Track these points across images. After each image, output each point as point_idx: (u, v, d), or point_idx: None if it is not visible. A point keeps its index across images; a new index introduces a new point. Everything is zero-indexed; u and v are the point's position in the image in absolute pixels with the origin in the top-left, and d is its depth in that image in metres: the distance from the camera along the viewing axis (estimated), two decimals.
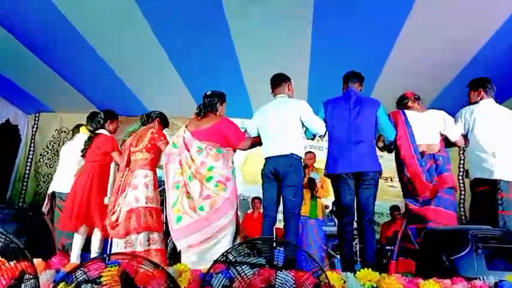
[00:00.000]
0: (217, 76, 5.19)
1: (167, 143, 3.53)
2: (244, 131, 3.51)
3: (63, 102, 6.40)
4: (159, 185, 3.98)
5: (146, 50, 4.66)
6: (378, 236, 6.02)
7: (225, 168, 3.24)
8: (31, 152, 6.78)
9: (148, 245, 3.41)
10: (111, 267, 1.94)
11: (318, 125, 3.34)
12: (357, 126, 3.26)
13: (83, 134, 4.22)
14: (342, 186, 3.26)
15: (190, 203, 3.14)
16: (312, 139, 3.64)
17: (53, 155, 6.68)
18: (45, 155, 6.73)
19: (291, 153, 3.22)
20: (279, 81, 3.51)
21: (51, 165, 6.52)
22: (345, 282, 2.05)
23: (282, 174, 3.19)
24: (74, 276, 1.79)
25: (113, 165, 3.88)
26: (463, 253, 2.34)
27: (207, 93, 3.45)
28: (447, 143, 3.51)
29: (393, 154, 3.57)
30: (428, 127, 3.45)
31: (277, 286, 1.82)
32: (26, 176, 6.69)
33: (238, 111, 5.98)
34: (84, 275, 1.81)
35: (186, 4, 3.84)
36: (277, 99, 3.48)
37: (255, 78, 5.20)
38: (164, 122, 3.95)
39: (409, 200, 3.36)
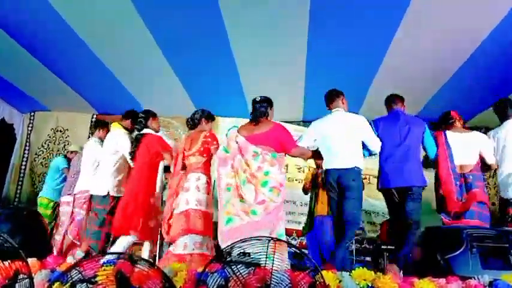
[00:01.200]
0: (214, 76, 5.19)
1: (218, 147, 3.54)
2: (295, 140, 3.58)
3: (58, 101, 6.36)
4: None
5: (143, 50, 4.64)
6: (375, 235, 6.03)
7: (280, 173, 3.30)
8: (26, 151, 6.71)
9: (193, 249, 3.37)
10: (106, 266, 1.94)
11: (377, 145, 3.52)
12: (408, 145, 3.51)
13: (118, 130, 4.10)
14: (393, 200, 3.51)
15: (243, 206, 3.17)
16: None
17: (48, 154, 6.64)
18: (40, 154, 6.68)
19: (355, 166, 3.38)
20: (333, 96, 3.66)
21: (46, 165, 6.45)
22: (340, 281, 2.06)
23: (345, 187, 3.34)
24: (69, 276, 1.79)
25: (161, 165, 3.82)
26: (458, 252, 2.36)
27: (257, 99, 3.48)
28: (483, 166, 3.74)
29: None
30: (467, 148, 3.68)
31: (272, 285, 1.83)
32: (21, 175, 6.65)
33: (234, 111, 6.01)
34: (80, 275, 1.80)
35: (182, 5, 3.84)
36: (335, 113, 3.60)
37: (251, 78, 5.20)
38: (209, 118, 3.87)
39: (443, 215, 3.57)
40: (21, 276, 1.83)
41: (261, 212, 3.13)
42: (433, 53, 4.36)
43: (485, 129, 4.29)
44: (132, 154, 3.78)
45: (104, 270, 1.91)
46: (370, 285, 2.06)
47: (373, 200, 6.24)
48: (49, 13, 3.93)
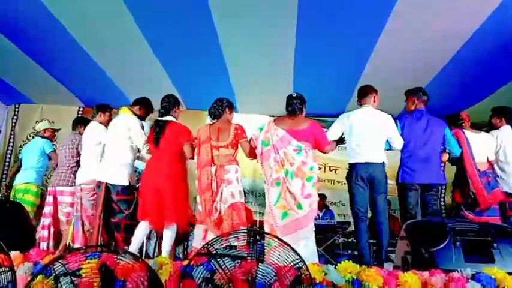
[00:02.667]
0: (202, 72, 5.16)
1: (247, 140, 3.57)
2: None
3: (44, 94, 6.26)
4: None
5: (130, 43, 4.57)
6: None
7: (317, 170, 3.45)
8: (11, 144, 6.61)
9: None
10: (91, 259, 1.92)
11: (400, 143, 3.66)
12: (431, 144, 3.69)
13: (129, 116, 3.91)
14: (411, 196, 3.65)
15: (293, 200, 3.26)
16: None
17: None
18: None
19: (383, 162, 3.57)
20: (366, 92, 3.75)
21: None
22: (325, 274, 2.07)
23: (376, 181, 3.50)
24: (52, 269, 1.77)
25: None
26: (442, 246, 2.39)
27: (293, 95, 3.53)
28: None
29: None
30: (481, 146, 3.94)
31: (258, 278, 1.83)
32: (6, 167, 6.54)
33: None
34: (63, 267, 1.78)
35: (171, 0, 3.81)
36: (363, 109, 3.70)
37: (241, 73, 5.18)
38: (232, 107, 3.80)
39: (468, 211, 3.80)
40: (2, 269, 1.80)
41: (307, 207, 3.25)
42: (421, 49, 4.39)
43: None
44: (157, 141, 3.59)
45: (89, 263, 1.89)
46: (355, 278, 2.08)
47: None
48: (35, 4, 3.85)
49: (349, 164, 3.66)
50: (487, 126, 4.31)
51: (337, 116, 3.92)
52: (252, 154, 3.58)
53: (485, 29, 3.88)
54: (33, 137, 6.00)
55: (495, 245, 2.38)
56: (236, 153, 3.59)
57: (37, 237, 4.22)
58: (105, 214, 3.79)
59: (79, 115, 6.39)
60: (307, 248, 3.20)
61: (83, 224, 4.03)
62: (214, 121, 3.70)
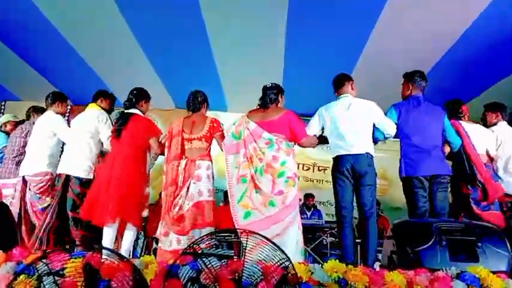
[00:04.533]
0: (191, 69, 5.13)
1: (223, 134, 3.39)
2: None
3: (30, 91, 6.18)
4: None
5: (120, 41, 4.56)
6: None
7: (294, 163, 3.20)
8: None
9: None
10: (75, 258, 1.89)
11: (392, 128, 3.41)
12: (431, 132, 3.43)
13: (93, 110, 3.85)
14: (419, 191, 3.33)
15: (261, 198, 3.06)
16: (376, 143, 3.52)
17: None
18: None
19: (367, 153, 3.29)
20: (342, 81, 3.52)
21: None
22: (312, 273, 2.07)
23: (361, 173, 3.23)
24: (34, 268, 1.74)
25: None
26: (427, 245, 2.40)
27: (268, 86, 3.35)
28: None
29: None
30: (479, 139, 3.75)
31: (244, 277, 1.82)
32: None
33: (212, 104, 5.94)
34: (46, 267, 1.75)
35: None
36: (343, 99, 3.46)
37: (229, 70, 5.17)
38: (208, 105, 3.68)
39: (474, 205, 3.62)
40: None
41: (279, 204, 3.03)
42: (412, 46, 4.42)
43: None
44: (119, 132, 3.45)
45: (73, 262, 1.87)
46: (341, 277, 2.08)
47: None
48: (22, 1, 3.79)
49: (333, 158, 3.41)
50: (481, 123, 4.11)
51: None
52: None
53: (475, 28, 3.93)
54: None
55: (480, 244, 2.40)
56: (210, 148, 3.42)
57: None
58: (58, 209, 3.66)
59: (68, 113, 6.31)
60: (283, 246, 2.96)
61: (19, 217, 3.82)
62: (189, 114, 3.55)
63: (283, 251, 1.90)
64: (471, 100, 5.51)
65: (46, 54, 4.94)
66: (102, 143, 3.82)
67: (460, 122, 3.75)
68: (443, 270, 2.19)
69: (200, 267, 1.82)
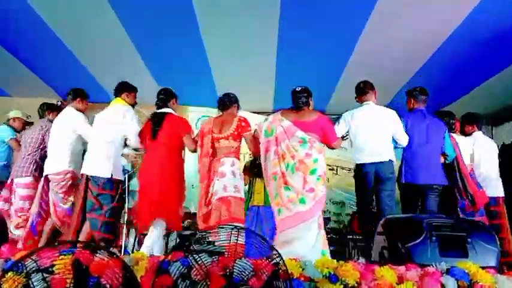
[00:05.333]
0: (184, 65, 5.10)
1: (252, 132, 3.48)
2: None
3: (20, 87, 6.09)
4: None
5: (110, 37, 4.50)
6: (340, 225, 6.13)
7: (324, 162, 3.28)
8: None
9: None
10: (64, 255, 1.87)
11: (405, 140, 3.67)
12: (432, 144, 3.72)
13: (119, 106, 3.72)
14: (414, 197, 3.67)
15: (290, 195, 3.11)
16: None
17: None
18: None
19: (390, 160, 3.56)
20: (366, 89, 3.73)
21: None
22: (303, 269, 2.07)
23: (383, 180, 3.49)
24: (22, 265, 1.72)
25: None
26: (418, 241, 2.42)
27: (297, 90, 3.41)
28: None
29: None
30: (466, 151, 4.09)
31: (235, 273, 1.82)
32: None
33: (204, 101, 5.95)
34: (35, 264, 1.73)
35: None
36: (367, 107, 3.70)
37: (222, 68, 5.15)
38: (239, 105, 3.75)
39: (461, 213, 3.87)
40: None
41: (310, 201, 3.10)
42: (403, 45, 4.44)
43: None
44: (155, 133, 3.47)
45: (62, 259, 1.85)
46: (332, 273, 2.09)
47: (341, 191, 6.35)
48: None
49: (357, 164, 3.65)
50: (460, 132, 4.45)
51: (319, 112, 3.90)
52: (256, 148, 3.45)
53: (465, 27, 3.94)
54: None
55: (469, 240, 2.43)
56: (239, 146, 3.50)
57: None
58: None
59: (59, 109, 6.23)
60: (305, 242, 3.03)
61: (39, 216, 3.82)
62: (220, 114, 3.66)
63: (274, 247, 1.90)
64: (460, 98, 5.57)
65: (35, 48, 4.86)
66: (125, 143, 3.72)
67: (453, 135, 4.02)
68: (433, 266, 2.21)
69: (191, 264, 1.81)
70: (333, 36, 4.33)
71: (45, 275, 1.77)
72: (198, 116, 6.24)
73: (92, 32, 4.47)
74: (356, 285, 2.06)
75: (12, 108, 6.36)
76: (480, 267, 2.20)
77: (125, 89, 3.86)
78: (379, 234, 2.79)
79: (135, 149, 3.84)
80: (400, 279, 2.13)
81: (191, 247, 1.84)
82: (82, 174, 3.60)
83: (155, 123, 3.51)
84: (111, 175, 3.52)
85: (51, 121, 4.17)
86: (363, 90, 3.74)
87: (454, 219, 2.65)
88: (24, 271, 1.74)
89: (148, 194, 3.38)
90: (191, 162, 4.14)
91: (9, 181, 4.20)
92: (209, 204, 3.33)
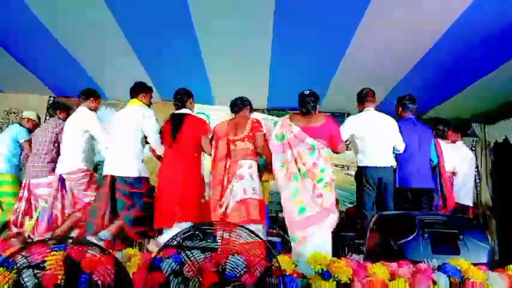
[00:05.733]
0: (178, 63, 5.07)
1: (265, 134, 3.53)
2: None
3: (12, 82, 6.02)
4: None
5: (104, 33, 4.43)
6: None
7: (331, 169, 3.38)
8: None
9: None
10: (56, 251, 1.86)
11: (402, 145, 3.80)
12: (423, 150, 3.91)
13: (136, 107, 3.74)
14: (406, 200, 3.79)
15: (309, 196, 3.22)
16: None
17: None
18: None
19: (391, 166, 3.71)
20: (367, 96, 3.84)
21: None
22: (296, 266, 2.08)
23: (386, 184, 3.62)
24: (13, 262, 1.70)
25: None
26: (410, 238, 2.43)
27: (306, 93, 3.43)
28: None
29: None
30: (449, 157, 4.31)
31: (228, 270, 1.82)
32: None
33: (198, 98, 5.90)
34: (25, 260, 1.72)
35: None
36: (369, 113, 3.80)
37: (216, 66, 5.12)
38: (252, 108, 3.82)
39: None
40: None
41: (318, 206, 3.19)
42: (394, 45, 4.44)
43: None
44: (175, 134, 3.48)
45: (53, 255, 1.84)
46: (325, 269, 2.09)
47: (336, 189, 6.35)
48: None
49: (359, 166, 3.74)
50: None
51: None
52: (265, 148, 3.50)
53: (458, 26, 3.94)
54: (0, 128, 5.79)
55: (461, 237, 2.45)
56: (254, 147, 3.53)
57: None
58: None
59: (49, 104, 6.18)
60: (312, 243, 3.09)
61: (51, 217, 3.82)
62: (232, 116, 3.72)
63: (267, 244, 1.90)
64: (453, 96, 5.59)
65: (29, 45, 4.80)
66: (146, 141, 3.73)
67: (439, 140, 4.27)
68: (425, 262, 2.23)
69: (183, 260, 1.81)
70: (327, 36, 4.32)
71: (36, 271, 1.76)
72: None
73: (87, 30, 4.41)
74: (348, 281, 2.07)
75: (4, 103, 6.36)
76: (472, 263, 2.22)
77: (141, 89, 3.90)
78: (371, 231, 2.81)
79: (158, 157, 3.79)
80: (393, 276, 2.14)
81: (183, 243, 1.84)
82: (105, 176, 3.61)
83: (175, 124, 3.53)
84: (140, 173, 3.59)
85: (63, 120, 4.22)
86: (365, 96, 3.86)
87: (446, 217, 2.65)
88: (15, 267, 1.73)
89: (170, 194, 3.40)
90: None
91: (25, 181, 4.18)
92: (226, 207, 3.38)
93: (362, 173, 3.68)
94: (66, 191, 3.88)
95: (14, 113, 6.31)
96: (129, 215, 3.49)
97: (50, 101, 6.30)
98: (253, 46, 4.66)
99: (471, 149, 6.33)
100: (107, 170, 3.63)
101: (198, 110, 6.16)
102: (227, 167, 3.48)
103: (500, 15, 3.79)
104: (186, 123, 3.52)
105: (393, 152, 3.83)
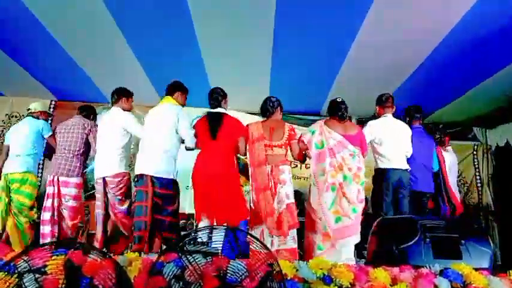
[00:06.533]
0: (179, 66, 5.07)
1: (298, 142, 3.59)
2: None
3: (13, 86, 6.03)
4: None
5: (106, 37, 4.46)
6: None
7: None
8: None
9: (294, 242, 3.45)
10: (57, 256, 1.86)
11: (411, 152, 3.99)
12: (427, 157, 4.22)
13: (171, 105, 3.69)
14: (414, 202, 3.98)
15: (347, 205, 3.34)
16: None
17: (3, 141, 6.31)
18: None
19: (407, 169, 3.89)
20: (388, 102, 4.04)
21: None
22: (297, 270, 2.07)
23: (404, 186, 3.80)
24: (14, 266, 1.70)
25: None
26: (412, 242, 2.43)
27: (339, 100, 3.61)
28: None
29: None
30: (449, 165, 4.70)
31: (229, 274, 1.81)
32: None
33: (199, 101, 5.90)
34: (26, 264, 1.72)
35: None
36: (387, 118, 4.00)
37: (217, 69, 5.13)
38: (282, 108, 3.81)
39: None
40: None
41: (359, 210, 3.37)
42: (395, 49, 4.44)
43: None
44: (214, 133, 3.47)
45: (54, 259, 1.84)
46: (326, 274, 2.09)
47: None
48: None
49: (379, 168, 3.88)
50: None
51: (312, 114, 3.95)
52: (300, 156, 3.62)
53: (460, 28, 3.95)
54: (2, 131, 5.75)
55: (463, 241, 2.44)
56: (287, 153, 3.63)
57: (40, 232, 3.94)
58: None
59: (51, 109, 6.18)
60: (347, 253, 3.30)
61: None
62: (264, 119, 3.73)
63: (268, 248, 1.90)
64: (454, 100, 5.59)
65: (30, 48, 4.81)
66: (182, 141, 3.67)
67: (441, 149, 4.63)
68: (427, 267, 2.22)
69: (184, 265, 1.80)
70: (328, 38, 4.32)
71: (37, 275, 1.76)
72: (192, 116, 6.20)
73: (88, 34, 4.42)
74: (350, 286, 2.06)
75: (6, 107, 6.36)
76: (474, 268, 2.20)
77: (178, 88, 3.87)
78: (373, 235, 2.80)
79: (190, 149, 3.73)
80: (394, 281, 2.13)
81: (184, 248, 1.83)
82: (142, 175, 3.49)
83: (214, 123, 3.52)
84: (174, 176, 3.56)
85: (92, 119, 4.24)
86: (385, 102, 4.04)
87: (447, 221, 2.64)
88: (16, 272, 1.73)
89: (214, 195, 3.39)
90: (187, 162, 4.09)
91: (51, 177, 4.07)
92: (278, 211, 3.43)
93: (383, 175, 3.81)
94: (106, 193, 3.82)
95: (16, 116, 6.32)
96: (161, 219, 3.44)
97: (52, 105, 6.31)
98: (254, 48, 4.66)
99: (472, 153, 6.37)
100: (145, 170, 3.50)
101: (200, 113, 6.17)
102: (268, 171, 3.49)
103: (502, 18, 3.79)
104: (225, 122, 3.53)
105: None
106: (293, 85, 5.06)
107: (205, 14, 4.05)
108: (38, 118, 4.56)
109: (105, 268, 1.77)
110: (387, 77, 4.96)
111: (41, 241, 3.84)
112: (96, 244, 3.71)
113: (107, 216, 3.84)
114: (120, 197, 3.77)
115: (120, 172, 3.79)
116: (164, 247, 3.35)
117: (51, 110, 6.14)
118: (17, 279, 1.73)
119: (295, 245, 3.44)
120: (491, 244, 2.51)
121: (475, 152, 6.48)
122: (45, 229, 3.94)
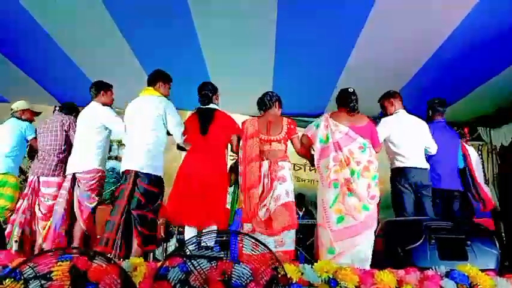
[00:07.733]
0: (181, 70, 5.07)
1: (299, 135, 3.44)
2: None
3: (19, 93, 6.03)
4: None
5: (106, 39, 4.47)
6: None
7: None
8: None
9: (290, 244, 3.24)
10: (62, 262, 1.87)
11: (435, 148, 3.83)
12: (453, 153, 4.07)
13: (153, 97, 3.47)
14: (440, 201, 3.87)
15: (355, 202, 3.06)
16: None
17: None
18: None
19: (426, 168, 3.70)
20: (396, 97, 3.89)
21: None
22: (302, 274, 2.06)
23: (424, 186, 3.63)
24: (20, 272, 1.71)
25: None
26: (417, 244, 2.41)
27: (350, 91, 3.35)
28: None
29: None
30: (475, 161, 4.44)
31: (234, 278, 1.81)
32: None
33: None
34: (32, 271, 1.73)
35: None
36: (400, 115, 3.82)
37: (219, 72, 5.12)
38: (281, 103, 3.61)
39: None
40: None
41: (372, 207, 3.09)
42: (399, 49, 4.44)
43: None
44: (205, 130, 3.34)
45: (60, 265, 1.84)
46: (331, 277, 2.08)
47: None
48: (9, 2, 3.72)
49: (397, 168, 3.68)
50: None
51: (315, 116, 3.91)
52: (302, 151, 3.44)
53: (464, 28, 3.94)
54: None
55: (468, 242, 2.42)
56: (287, 149, 3.45)
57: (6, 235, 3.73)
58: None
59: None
60: (359, 254, 2.99)
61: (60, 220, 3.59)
62: (261, 114, 3.55)
63: (273, 252, 1.89)
64: (459, 100, 5.57)
65: (34, 54, 4.84)
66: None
67: (466, 145, 4.44)
68: (433, 269, 2.21)
69: (189, 269, 1.81)
70: (331, 38, 4.32)
71: (43, 281, 1.77)
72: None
73: (90, 38, 4.45)
74: None
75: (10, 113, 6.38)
76: (480, 270, 2.19)
77: (159, 78, 3.63)
78: (378, 237, 2.79)
79: (181, 148, 3.59)
80: (400, 283, 2.12)
81: (188, 252, 1.84)
82: (128, 171, 3.34)
83: (205, 118, 3.39)
84: (160, 172, 3.41)
85: (74, 116, 4.05)
86: (393, 95, 3.90)
87: (453, 222, 2.63)
88: (22, 278, 1.74)
89: (200, 193, 3.25)
90: (178, 160, 4.01)
91: (32, 177, 3.95)
92: (268, 209, 3.23)
93: (400, 175, 3.63)
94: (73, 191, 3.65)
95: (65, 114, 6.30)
96: (143, 214, 3.25)
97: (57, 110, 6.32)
98: (255, 48, 4.66)
99: (477, 153, 6.33)
100: (129, 165, 3.37)
101: None
102: (265, 167, 3.31)
103: (506, 17, 3.78)
104: (217, 118, 3.41)
105: (425, 154, 3.82)
106: (296, 87, 5.07)
107: (208, 18, 4.06)
108: (21, 118, 4.44)
109: (110, 274, 1.77)
110: (391, 77, 4.95)
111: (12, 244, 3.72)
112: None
113: (68, 216, 3.65)
114: (89, 193, 3.60)
115: (94, 168, 3.63)
116: (139, 251, 3.19)
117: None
118: (23, 286, 1.74)
119: (293, 247, 3.25)
120: (497, 245, 2.49)
121: (479, 152, 6.45)
122: (17, 231, 3.80)
